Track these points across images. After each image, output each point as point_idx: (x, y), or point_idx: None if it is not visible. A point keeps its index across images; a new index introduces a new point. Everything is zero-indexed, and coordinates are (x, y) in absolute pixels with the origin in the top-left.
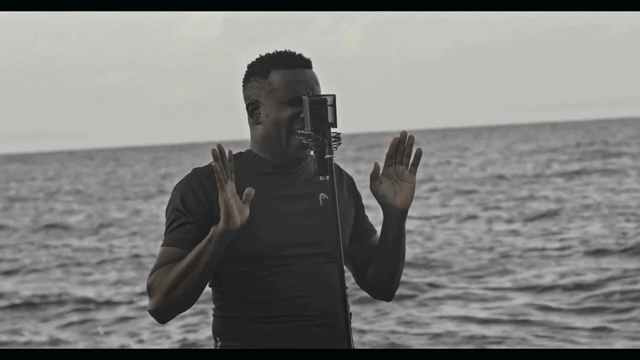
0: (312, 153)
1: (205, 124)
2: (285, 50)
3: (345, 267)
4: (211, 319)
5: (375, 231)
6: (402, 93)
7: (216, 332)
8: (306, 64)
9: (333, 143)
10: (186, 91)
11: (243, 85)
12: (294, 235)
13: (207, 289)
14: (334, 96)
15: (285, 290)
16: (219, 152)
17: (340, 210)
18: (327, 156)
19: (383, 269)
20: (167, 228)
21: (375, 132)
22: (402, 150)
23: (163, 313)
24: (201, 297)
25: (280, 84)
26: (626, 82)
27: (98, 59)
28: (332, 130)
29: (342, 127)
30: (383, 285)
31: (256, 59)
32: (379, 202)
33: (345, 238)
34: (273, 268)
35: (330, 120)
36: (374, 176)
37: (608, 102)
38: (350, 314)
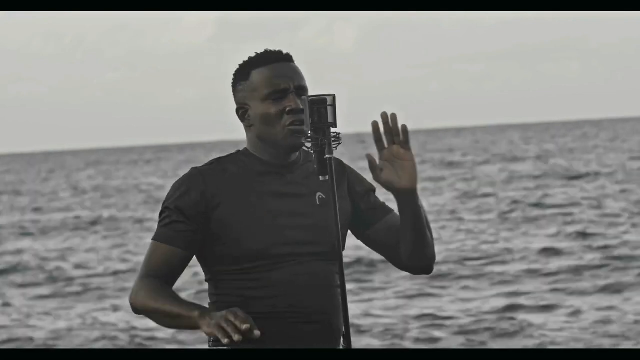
0: (309, 149)
1: (202, 124)
2: (265, 50)
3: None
4: None
5: (390, 210)
6: (401, 93)
7: None
8: (284, 57)
9: (333, 143)
10: (181, 92)
11: (233, 94)
12: (287, 235)
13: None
14: (333, 96)
15: (274, 288)
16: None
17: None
18: (327, 156)
19: (414, 248)
20: (159, 222)
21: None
22: (390, 130)
23: (140, 314)
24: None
25: (261, 81)
26: None
27: (94, 60)
28: (332, 130)
29: (343, 126)
30: (419, 261)
31: (239, 65)
32: (386, 189)
33: (343, 236)
34: (264, 266)
35: (330, 120)
36: (373, 167)
37: None
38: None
